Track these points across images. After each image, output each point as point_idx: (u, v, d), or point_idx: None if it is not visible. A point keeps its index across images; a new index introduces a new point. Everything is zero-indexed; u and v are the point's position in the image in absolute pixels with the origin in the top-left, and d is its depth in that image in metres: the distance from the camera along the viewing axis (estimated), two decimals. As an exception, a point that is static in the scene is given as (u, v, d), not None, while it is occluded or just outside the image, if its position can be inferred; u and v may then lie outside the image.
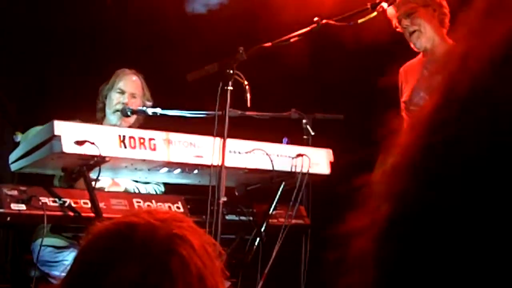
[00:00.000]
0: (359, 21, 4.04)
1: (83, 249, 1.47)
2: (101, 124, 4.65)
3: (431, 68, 4.54)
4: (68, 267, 1.47)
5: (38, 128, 4.15)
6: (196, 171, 4.14)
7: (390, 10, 4.51)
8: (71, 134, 3.63)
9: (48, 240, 4.28)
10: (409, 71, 4.72)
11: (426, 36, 4.50)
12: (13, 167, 3.92)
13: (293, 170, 4.27)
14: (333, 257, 0.86)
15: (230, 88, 3.96)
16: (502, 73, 0.76)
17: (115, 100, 4.71)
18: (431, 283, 0.75)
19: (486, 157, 0.75)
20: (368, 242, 0.80)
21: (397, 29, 4.61)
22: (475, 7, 0.83)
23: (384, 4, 4.07)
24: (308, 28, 4.08)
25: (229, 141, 3.98)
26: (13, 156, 3.92)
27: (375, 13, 4.04)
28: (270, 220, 4.33)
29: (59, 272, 4.30)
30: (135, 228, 1.43)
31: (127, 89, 4.74)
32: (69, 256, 4.33)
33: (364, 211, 0.84)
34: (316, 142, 4.48)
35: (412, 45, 4.57)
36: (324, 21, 4.05)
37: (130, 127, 4.58)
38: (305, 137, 4.52)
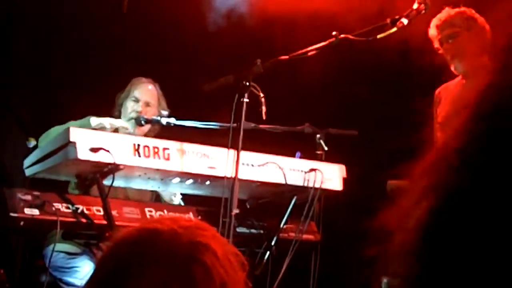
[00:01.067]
0: (378, 36, 4.03)
1: (106, 255, 1.46)
2: (116, 132, 4.64)
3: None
4: (91, 273, 1.46)
5: (58, 127, 4.17)
6: (208, 182, 4.13)
7: (432, 31, 4.51)
8: (86, 141, 3.63)
9: (61, 246, 4.28)
10: (445, 92, 4.70)
11: (467, 60, 4.48)
12: (28, 172, 3.93)
13: (306, 184, 4.25)
14: (370, 253, 0.86)
15: (246, 100, 3.95)
16: None
17: (129, 108, 4.71)
18: (478, 275, 0.75)
19: None
20: (410, 236, 0.79)
21: (439, 51, 4.57)
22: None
23: (404, 20, 4.05)
24: (326, 42, 4.07)
25: (243, 153, 3.96)
26: (28, 161, 3.93)
27: (394, 29, 4.03)
28: (280, 234, 4.31)
29: (72, 278, 4.29)
30: (159, 235, 1.42)
31: (141, 97, 4.74)
32: (81, 263, 4.32)
33: (398, 208, 0.84)
34: (329, 158, 4.46)
35: (452, 68, 4.54)
36: (342, 35, 4.04)
37: (145, 135, 4.57)
38: (318, 152, 4.50)
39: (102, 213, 3.78)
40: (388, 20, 4.05)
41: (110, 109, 4.80)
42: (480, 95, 0.81)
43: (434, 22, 4.51)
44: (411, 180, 0.87)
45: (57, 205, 3.73)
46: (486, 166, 0.77)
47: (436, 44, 4.57)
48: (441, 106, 4.70)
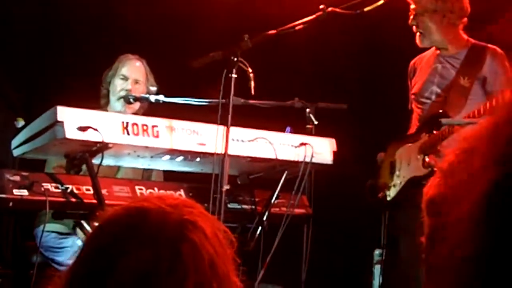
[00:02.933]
0: (366, 9, 4.03)
1: (93, 234, 1.45)
2: (105, 110, 4.63)
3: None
4: (77, 253, 1.45)
5: None
6: (198, 159, 4.12)
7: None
8: (74, 120, 3.61)
9: (52, 226, 4.28)
10: (420, 64, 4.76)
11: (429, 40, 4.59)
12: (16, 152, 3.90)
13: (296, 159, 4.25)
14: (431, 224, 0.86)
15: (234, 75, 3.94)
16: None
17: (118, 86, 4.69)
18: None
19: None
20: (472, 206, 0.79)
21: (409, 21, 4.63)
22: None
23: (391, -8, 4.05)
24: (313, 16, 4.06)
25: (232, 129, 3.95)
26: (15, 142, 3.90)
27: (382, 1, 4.02)
28: (272, 209, 4.31)
29: (63, 258, 4.30)
30: (147, 214, 1.41)
31: (130, 75, 4.72)
32: (73, 242, 4.32)
33: (456, 181, 0.84)
34: (319, 132, 4.46)
35: (416, 40, 4.61)
36: (330, 9, 4.03)
37: (134, 113, 4.56)
38: (308, 126, 4.49)
39: (91, 192, 3.77)
40: (376, -8, 4.04)
41: (98, 87, 4.78)
42: None
43: None
44: (466, 152, 0.86)
45: (46, 185, 3.71)
46: None
47: (411, 13, 4.62)
48: (416, 77, 4.74)
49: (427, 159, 4.36)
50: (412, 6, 4.57)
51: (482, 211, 0.80)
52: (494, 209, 0.79)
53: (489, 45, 4.49)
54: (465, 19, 4.58)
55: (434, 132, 4.38)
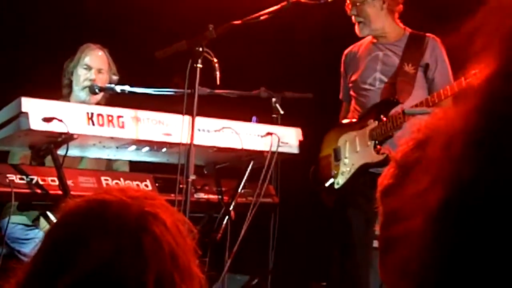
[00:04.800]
0: (329, -1, 4.06)
1: (54, 226, 1.46)
2: (68, 100, 4.60)
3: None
4: (38, 244, 1.46)
5: None
6: (164, 149, 4.12)
7: None
8: (38, 111, 3.59)
9: (18, 218, 4.27)
10: (356, 53, 4.81)
11: (370, 28, 4.66)
12: (-21, 144, 3.88)
13: (262, 148, 4.26)
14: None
15: (199, 65, 3.94)
16: None
17: (82, 76, 4.66)
18: (491, 268, 0.75)
19: None
20: (420, 223, 0.79)
21: (348, 12, 4.67)
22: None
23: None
24: (278, 6, 4.07)
25: (198, 119, 3.96)
26: (-21, 134, 3.87)
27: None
28: (239, 199, 4.32)
29: (30, 249, 4.28)
30: (108, 206, 1.42)
31: (93, 64, 4.70)
32: (39, 234, 4.31)
33: (404, 195, 0.83)
34: (285, 121, 4.48)
35: (356, 30, 4.66)
36: (294, -1, 4.05)
37: (98, 103, 4.54)
38: (274, 116, 4.51)
39: (57, 183, 3.75)
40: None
41: (60, 77, 4.76)
42: (491, 81, 0.80)
43: None
44: (416, 165, 0.85)
45: (11, 177, 3.68)
46: (502, 153, 0.75)
47: (348, 5, 4.67)
48: (354, 66, 4.79)
49: (378, 146, 4.41)
50: None
51: (428, 231, 0.81)
52: (441, 230, 0.79)
53: (427, 34, 4.57)
54: (401, 6, 4.65)
55: (384, 118, 4.41)
